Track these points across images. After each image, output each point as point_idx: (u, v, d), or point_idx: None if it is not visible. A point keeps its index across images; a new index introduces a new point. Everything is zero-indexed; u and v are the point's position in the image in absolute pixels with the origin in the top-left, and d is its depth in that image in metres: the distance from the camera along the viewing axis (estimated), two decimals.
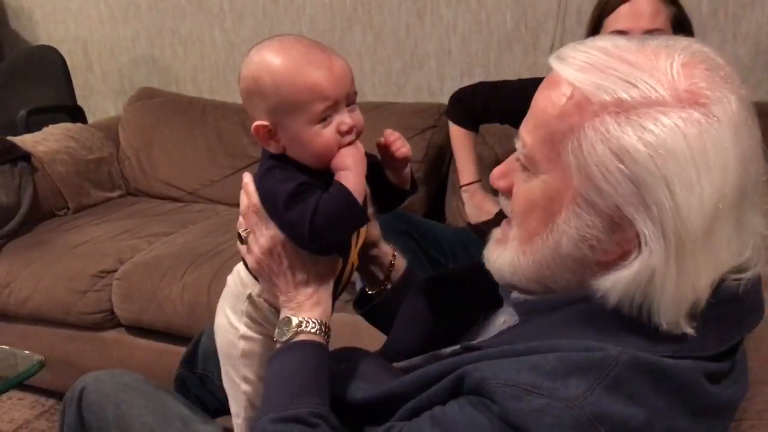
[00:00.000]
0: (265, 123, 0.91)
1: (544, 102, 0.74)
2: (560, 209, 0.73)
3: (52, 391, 2.23)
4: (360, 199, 0.89)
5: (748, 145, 0.69)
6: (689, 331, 0.69)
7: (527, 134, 0.76)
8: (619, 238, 0.70)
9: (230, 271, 1.92)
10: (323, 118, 0.89)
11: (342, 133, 0.90)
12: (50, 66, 3.09)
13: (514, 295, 0.85)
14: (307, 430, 0.82)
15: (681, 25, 1.59)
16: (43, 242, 2.33)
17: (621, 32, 1.55)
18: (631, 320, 0.71)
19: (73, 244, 2.28)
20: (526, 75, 2.63)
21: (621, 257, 0.70)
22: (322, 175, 0.91)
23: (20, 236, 2.36)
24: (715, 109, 0.67)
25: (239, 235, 0.98)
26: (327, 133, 0.89)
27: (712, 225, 0.67)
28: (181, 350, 1.86)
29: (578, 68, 0.71)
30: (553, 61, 0.75)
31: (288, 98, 0.88)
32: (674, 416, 0.67)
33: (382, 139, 0.97)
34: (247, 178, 0.96)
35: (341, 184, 0.88)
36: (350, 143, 0.91)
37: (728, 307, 0.72)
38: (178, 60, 3.35)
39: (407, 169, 1.01)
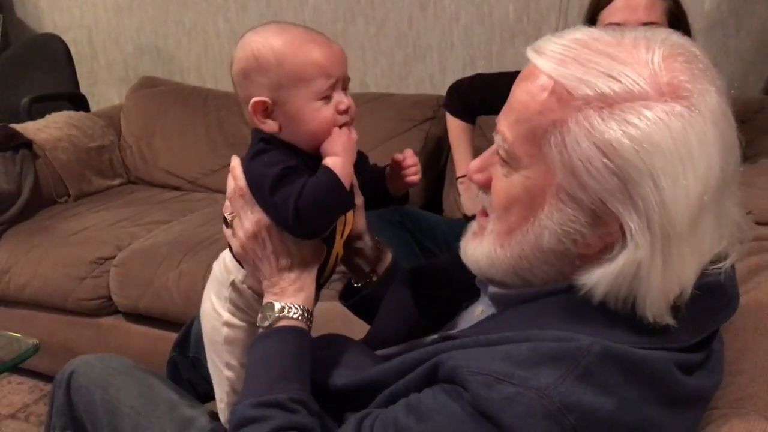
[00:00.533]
0: (265, 99, 0.91)
1: (524, 96, 0.73)
2: (542, 204, 0.73)
3: (51, 376, 2.25)
4: (347, 184, 0.89)
5: (728, 136, 0.69)
6: (671, 322, 0.69)
7: (507, 129, 0.75)
8: (602, 231, 0.70)
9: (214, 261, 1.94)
10: (325, 96, 0.91)
11: (339, 113, 0.91)
12: (54, 54, 3.11)
13: (491, 288, 0.85)
14: (286, 415, 0.82)
15: (677, 19, 1.58)
16: (44, 229, 2.35)
17: (616, 25, 1.55)
18: (606, 312, 0.71)
19: (73, 230, 2.30)
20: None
21: (602, 250, 0.71)
22: (312, 159, 0.92)
23: (21, 223, 2.38)
24: (697, 101, 0.67)
25: (225, 219, 0.98)
26: (326, 111, 0.91)
27: (697, 217, 0.67)
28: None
29: (558, 62, 0.71)
30: (531, 54, 0.74)
31: (292, 72, 0.90)
32: (645, 406, 0.68)
33: (400, 156, 1.00)
34: (235, 162, 0.96)
35: (328, 168, 0.89)
36: (345, 125, 0.92)
37: (704, 298, 0.73)
38: (182, 50, 3.36)
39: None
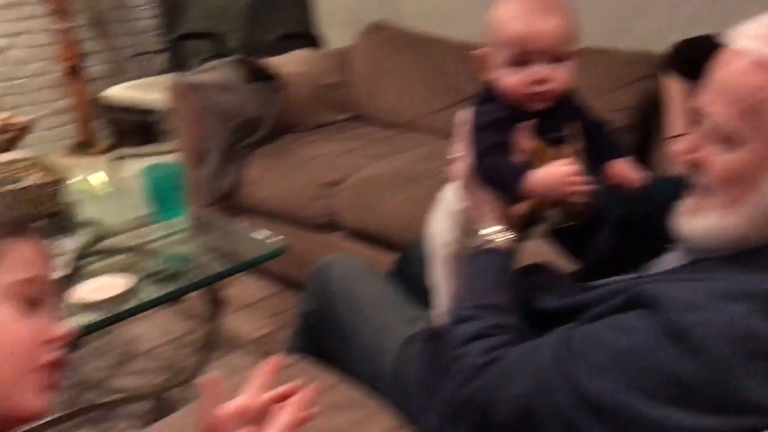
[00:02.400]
0: (482, 52, 1.08)
1: (735, 77, 0.82)
2: (766, 172, 0.82)
3: (279, 277, 2.61)
4: (523, 190, 1.03)
5: None
6: None
7: (723, 108, 0.83)
8: None
9: (440, 192, 2.12)
10: (519, 62, 1.02)
11: (532, 83, 1.02)
12: None
13: (695, 255, 0.94)
14: (494, 316, 0.99)
15: None
16: (285, 152, 2.68)
17: None
18: None
19: (308, 156, 2.61)
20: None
21: None
22: (523, 114, 1.05)
23: (267, 145, 2.73)
24: None
25: (451, 157, 1.17)
26: (516, 77, 1.03)
27: None
28: (390, 256, 2.12)
29: (765, 42, 0.80)
30: (734, 39, 0.83)
31: (495, 37, 1.04)
32: None
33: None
34: (463, 114, 1.13)
35: (525, 172, 1.03)
36: (541, 93, 1.03)
37: None
38: None
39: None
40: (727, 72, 0.84)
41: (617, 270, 1.10)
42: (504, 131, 1.06)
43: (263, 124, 2.74)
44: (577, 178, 1.02)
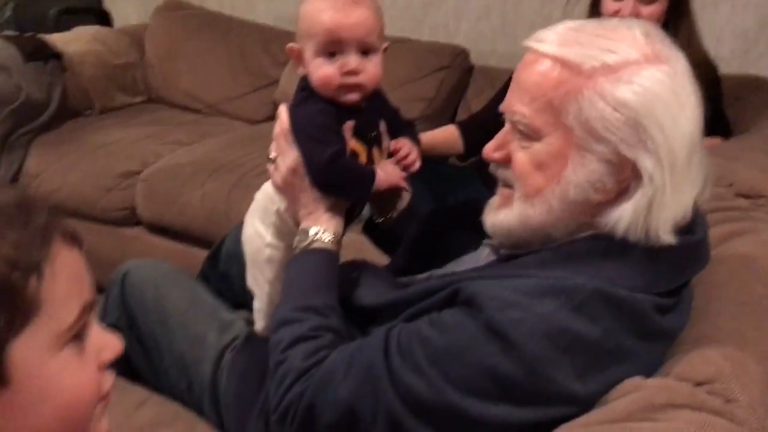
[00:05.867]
0: (296, 46, 1.07)
1: (536, 77, 0.87)
2: (565, 164, 0.87)
3: None
4: (372, 188, 1.06)
5: (696, 90, 0.87)
6: (673, 241, 0.85)
7: (524, 107, 0.88)
8: (618, 177, 0.85)
9: (247, 183, 2.08)
10: (329, 53, 1.03)
11: (343, 74, 1.03)
12: None
13: (504, 251, 0.99)
14: (320, 318, 0.98)
15: None
16: (72, 139, 2.45)
17: None
18: (600, 260, 0.87)
19: (100, 143, 2.41)
20: (540, 25, 2.67)
21: (619, 194, 0.86)
22: (340, 110, 1.06)
23: (48, 132, 2.48)
24: (674, 63, 0.85)
25: (270, 157, 1.13)
26: (327, 68, 1.03)
27: (691, 152, 0.84)
28: (197, 252, 2.04)
29: (561, 44, 0.86)
30: (534, 43, 0.89)
31: (305, 27, 1.05)
32: (623, 336, 0.83)
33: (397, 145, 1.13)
34: (282, 108, 1.10)
35: (374, 171, 1.06)
36: (354, 85, 1.04)
37: (681, 255, 0.89)
38: None
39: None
40: (527, 72, 0.89)
41: (432, 264, 1.12)
42: (339, 132, 1.05)
43: (46, 109, 2.50)
44: (403, 174, 1.09)
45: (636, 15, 1.73)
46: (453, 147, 1.93)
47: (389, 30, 2.81)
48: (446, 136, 1.92)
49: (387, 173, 1.08)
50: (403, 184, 1.12)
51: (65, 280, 0.56)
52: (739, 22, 2.55)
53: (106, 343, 0.62)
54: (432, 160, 1.95)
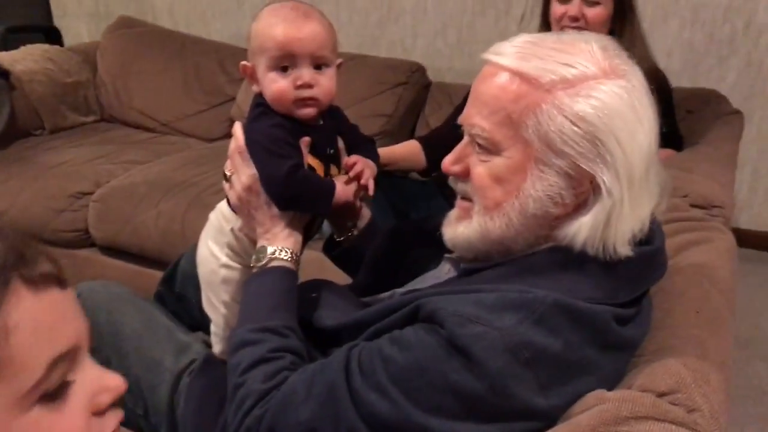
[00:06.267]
0: (249, 64, 1.06)
1: (494, 90, 0.87)
2: (524, 177, 0.87)
3: None
4: (333, 201, 1.04)
5: (652, 104, 0.87)
6: (630, 253, 0.85)
7: (483, 120, 0.88)
8: (576, 190, 0.85)
9: (203, 202, 2.04)
10: (282, 68, 1.03)
11: (296, 87, 1.03)
12: None
13: (464, 265, 0.98)
14: (279, 339, 0.96)
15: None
16: (21, 159, 2.39)
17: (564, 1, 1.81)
18: (560, 272, 0.87)
19: (51, 164, 2.35)
20: (496, 40, 2.74)
21: (577, 207, 0.86)
22: (297, 125, 1.05)
23: None
24: (631, 78, 0.85)
25: (225, 175, 1.10)
26: (282, 82, 1.03)
27: (648, 165, 0.85)
28: (152, 273, 2.00)
29: (519, 58, 0.86)
30: (492, 56, 0.88)
31: (256, 43, 1.04)
32: (585, 348, 0.83)
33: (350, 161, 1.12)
34: (237, 125, 1.09)
35: (333, 183, 1.05)
36: (308, 99, 1.03)
37: (640, 265, 0.89)
38: None
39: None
40: (485, 85, 0.89)
41: (395, 282, 1.11)
42: (295, 148, 1.04)
43: None
44: (356, 190, 1.09)
45: (581, 16, 1.80)
46: (415, 162, 1.93)
47: (347, 47, 2.85)
48: (408, 150, 1.93)
49: (343, 188, 1.07)
50: (355, 200, 1.11)
51: (28, 334, 0.48)
52: (688, 36, 2.63)
53: (104, 384, 0.55)
54: (393, 175, 1.97)
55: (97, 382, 0.55)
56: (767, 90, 2.62)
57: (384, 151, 1.92)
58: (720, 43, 2.60)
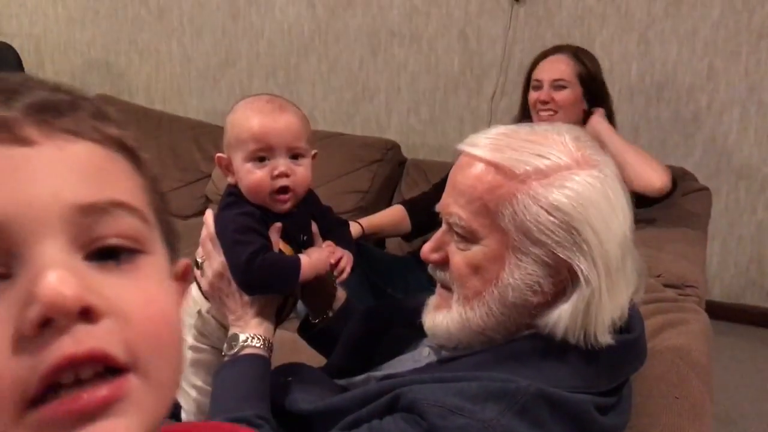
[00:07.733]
0: (224, 155, 1.07)
1: (471, 180, 0.89)
2: (502, 265, 0.87)
3: None
4: (300, 278, 1.03)
5: (626, 193, 0.89)
6: (611, 341, 0.84)
7: (460, 209, 0.89)
8: (555, 279, 0.85)
9: None
10: (258, 159, 1.04)
11: (273, 177, 1.03)
12: (4, 62, 3.11)
13: (445, 352, 0.97)
14: (260, 428, 0.92)
15: (586, 81, 1.98)
16: None
17: (538, 80, 1.99)
18: (541, 360, 0.86)
19: None
20: (468, 119, 2.83)
21: (555, 295, 0.86)
22: (270, 215, 1.05)
23: None
24: (603, 168, 0.87)
25: (196, 262, 1.10)
26: (258, 173, 1.03)
27: (624, 253, 0.85)
28: None
29: (494, 149, 0.88)
30: (467, 147, 0.90)
31: (232, 135, 1.05)
32: None
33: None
34: (208, 213, 1.10)
35: (299, 259, 1.03)
36: (284, 188, 1.04)
37: (620, 353, 0.89)
38: (132, 68, 3.39)
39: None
40: (462, 175, 0.90)
41: (371, 363, 1.10)
42: (262, 233, 1.04)
43: None
44: (330, 260, 1.09)
45: (550, 100, 1.96)
46: (400, 227, 1.95)
47: (323, 124, 2.88)
48: (393, 215, 1.95)
49: (313, 259, 1.05)
50: (327, 268, 1.09)
51: None
52: (654, 114, 2.71)
53: (32, 291, 0.33)
54: (369, 249, 1.96)
55: (26, 286, 0.33)
56: (732, 165, 2.69)
57: (369, 220, 1.95)
58: (685, 120, 2.69)
